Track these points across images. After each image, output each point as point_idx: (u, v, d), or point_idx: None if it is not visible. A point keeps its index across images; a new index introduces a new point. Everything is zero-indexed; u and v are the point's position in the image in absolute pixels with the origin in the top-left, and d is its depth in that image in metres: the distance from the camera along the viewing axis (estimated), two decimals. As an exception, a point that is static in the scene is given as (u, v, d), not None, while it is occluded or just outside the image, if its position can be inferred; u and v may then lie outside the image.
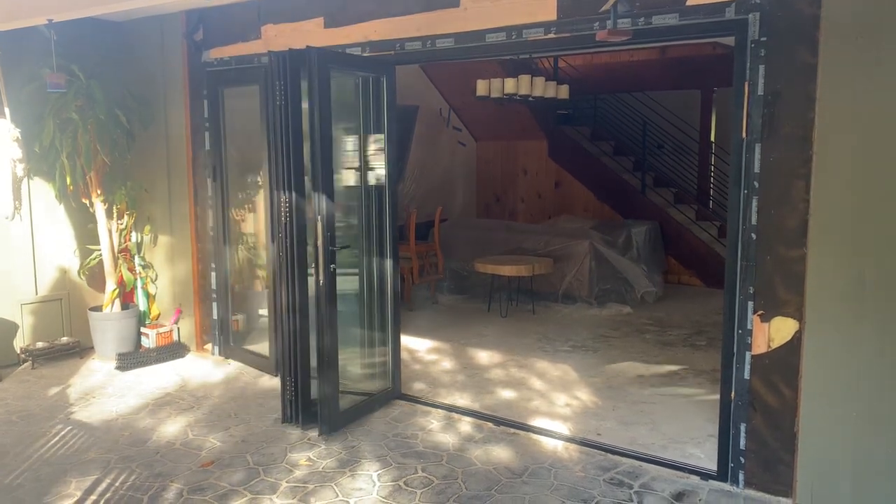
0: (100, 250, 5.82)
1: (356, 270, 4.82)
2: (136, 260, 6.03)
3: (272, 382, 5.20)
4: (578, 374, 5.35)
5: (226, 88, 5.54)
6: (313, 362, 4.32)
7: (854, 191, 3.15)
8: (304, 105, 4.18)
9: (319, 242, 4.07)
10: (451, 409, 4.64)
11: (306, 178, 4.20)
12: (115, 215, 5.86)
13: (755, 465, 3.52)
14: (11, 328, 5.65)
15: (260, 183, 5.54)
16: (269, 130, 4.86)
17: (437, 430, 4.34)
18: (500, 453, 4.00)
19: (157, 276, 6.13)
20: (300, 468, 3.83)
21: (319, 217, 4.06)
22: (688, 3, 3.49)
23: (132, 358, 5.63)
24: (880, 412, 3.16)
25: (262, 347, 5.66)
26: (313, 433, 4.25)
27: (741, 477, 3.55)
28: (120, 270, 5.86)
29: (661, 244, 8.76)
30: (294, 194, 4.18)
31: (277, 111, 4.18)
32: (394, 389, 4.82)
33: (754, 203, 3.39)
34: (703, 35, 3.69)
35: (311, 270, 4.21)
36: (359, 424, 4.40)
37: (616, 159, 9.79)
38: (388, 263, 4.74)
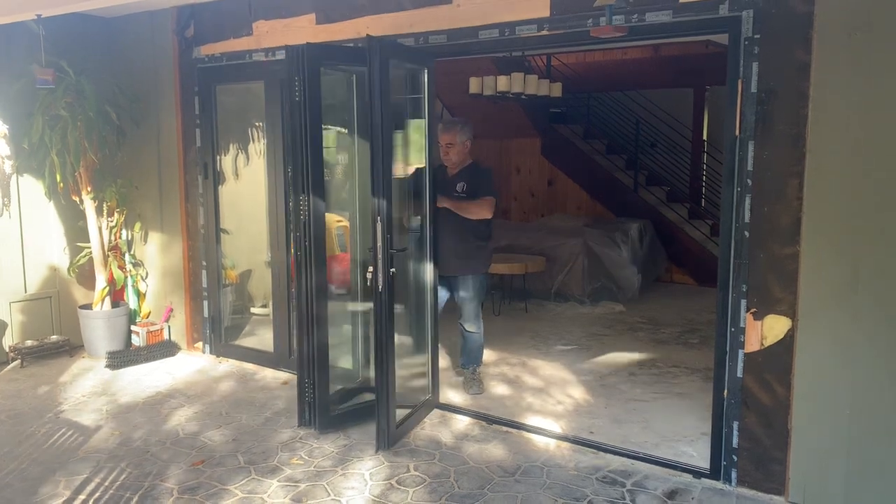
0: (90, 248, 5.77)
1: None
2: (127, 257, 5.98)
3: (266, 379, 5.18)
4: (571, 372, 5.34)
5: (217, 85, 5.51)
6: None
7: (848, 188, 3.14)
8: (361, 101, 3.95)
9: (379, 244, 3.85)
10: (444, 407, 4.62)
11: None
12: (105, 213, 5.80)
13: (748, 464, 3.52)
14: (0, 326, 5.60)
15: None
16: (283, 128, 4.82)
17: (429, 428, 4.32)
18: (493, 451, 3.99)
19: (147, 273, 6.09)
20: (292, 467, 3.80)
21: (380, 218, 3.84)
22: (681, 0, 3.48)
23: (122, 356, 5.58)
24: (873, 410, 3.17)
25: (257, 342, 5.63)
26: (303, 431, 4.22)
27: (734, 475, 3.55)
28: (110, 268, 5.81)
29: (657, 241, 8.75)
30: (312, 194, 4.05)
31: (295, 108, 4.03)
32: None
33: (747, 201, 3.39)
34: (696, 32, 3.68)
35: (370, 273, 3.96)
36: (352, 423, 4.37)
37: (609, 158, 9.78)
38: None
